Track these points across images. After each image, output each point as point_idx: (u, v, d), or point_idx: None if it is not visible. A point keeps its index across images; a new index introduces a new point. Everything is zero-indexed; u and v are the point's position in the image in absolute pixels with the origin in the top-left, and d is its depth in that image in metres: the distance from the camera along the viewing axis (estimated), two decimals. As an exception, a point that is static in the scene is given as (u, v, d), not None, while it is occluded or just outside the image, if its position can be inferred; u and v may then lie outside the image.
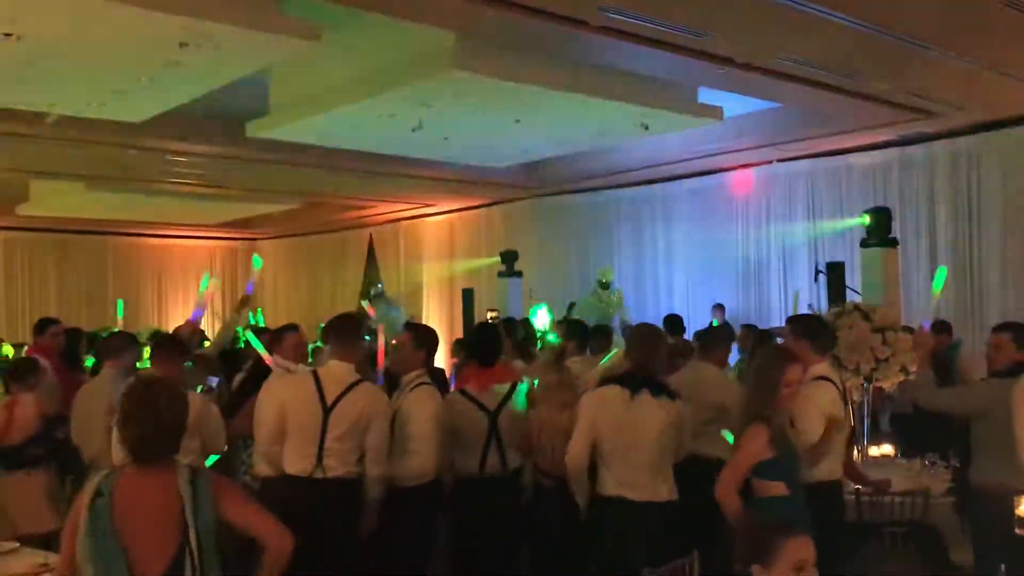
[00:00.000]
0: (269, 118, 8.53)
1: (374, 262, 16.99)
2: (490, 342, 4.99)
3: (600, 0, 5.52)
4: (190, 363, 5.17)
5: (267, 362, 4.84)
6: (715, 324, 10.20)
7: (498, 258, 12.78)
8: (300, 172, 11.26)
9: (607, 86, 7.64)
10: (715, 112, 8.69)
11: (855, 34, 6.33)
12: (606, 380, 4.49)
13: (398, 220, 16.38)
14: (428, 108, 7.88)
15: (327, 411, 4.28)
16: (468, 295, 12.67)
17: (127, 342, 5.68)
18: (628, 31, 6.12)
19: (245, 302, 6.58)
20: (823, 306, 8.49)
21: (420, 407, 4.44)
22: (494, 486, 4.62)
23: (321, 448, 4.26)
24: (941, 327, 7.54)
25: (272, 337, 5.29)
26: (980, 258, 9.34)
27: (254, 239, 19.42)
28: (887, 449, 5.54)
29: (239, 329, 5.69)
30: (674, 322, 8.85)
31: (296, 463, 4.31)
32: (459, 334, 12.15)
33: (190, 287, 18.78)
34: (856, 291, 8.97)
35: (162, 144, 9.57)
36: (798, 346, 4.23)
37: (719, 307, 11.08)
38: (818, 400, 4.16)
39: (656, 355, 4.41)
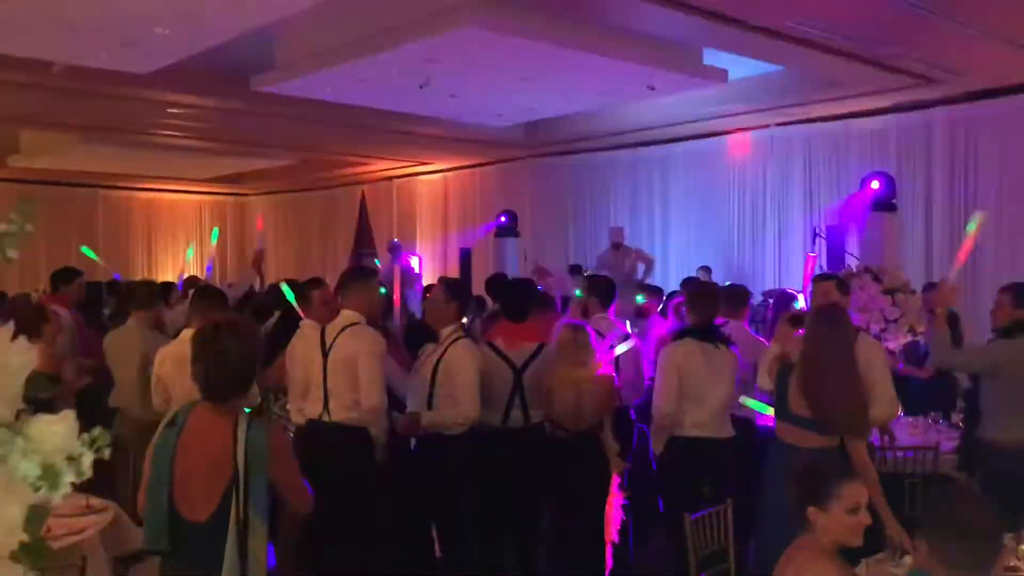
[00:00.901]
0: (276, 72, 8.49)
1: (366, 219, 16.96)
2: (520, 297, 5.08)
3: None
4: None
5: (301, 315, 4.90)
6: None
7: (501, 222, 12.79)
8: (299, 126, 11.21)
9: (616, 45, 7.67)
10: (720, 75, 8.74)
11: (868, -1, 6.40)
12: (679, 334, 4.80)
13: (391, 178, 16.34)
14: (437, 64, 7.88)
15: (325, 356, 4.40)
16: (466, 254, 12.70)
17: (156, 294, 5.68)
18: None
19: (259, 258, 6.58)
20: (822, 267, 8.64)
21: (463, 359, 4.53)
22: (516, 437, 4.73)
23: (325, 392, 4.38)
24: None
25: (298, 293, 5.30)
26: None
27: (244, 195, 19.35)
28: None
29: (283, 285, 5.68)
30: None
31: (311, 409, 4.48)
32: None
33: (179, 241, 18.74)
34: (853, 255, 9.10)
35: (165, 96, 9.48)
36: (844, 303, 4.42)
37: (705, 269, 11.14)
38: (884, 356, 4.45)
39: (716, 310, 4.86)
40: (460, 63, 7.84)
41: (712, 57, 8.47)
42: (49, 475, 0.85)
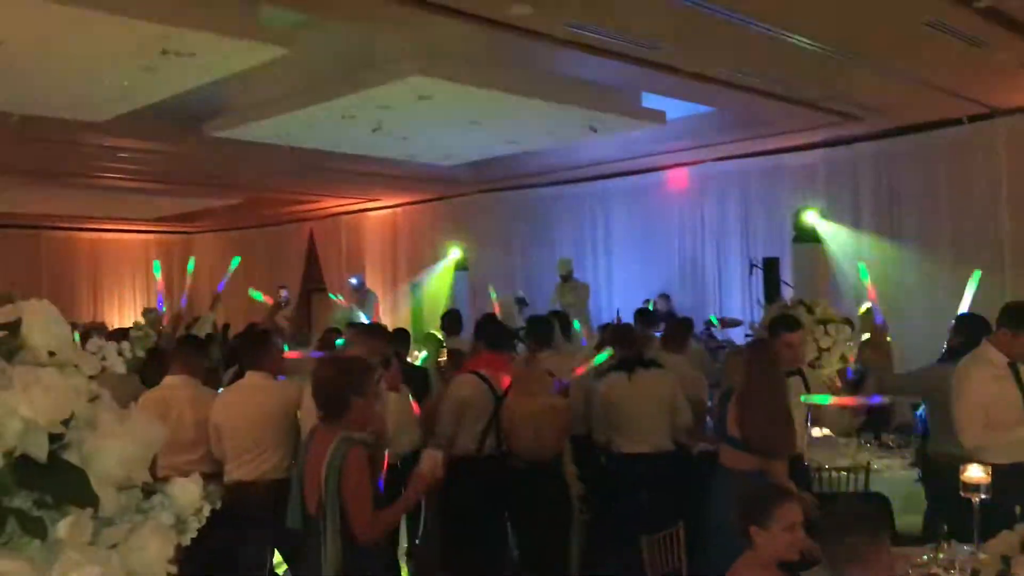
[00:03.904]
0: (229, 117, 8.69)
1: (315, 256, 17.08)
2: (500, 329, 5.45)
3: (567, 17, 5.93)
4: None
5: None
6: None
7: (450, 256, 13.07)
8: (250, 168, 11.38)
9: (560, 91, 8.05)
10: (659, 116, 9.17)
11: (793, 47, 6.85)
12: (604, 371, 5.35)
13: (339, 214, 16.52)
14: (388, 111, 8.16)
15: None
16: (416, 289, 12.96)
17: None
18: (589, 44, 6.55)
19: (217, 300, 6.69)
20: (760, 299, 9.08)
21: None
22: (490, 465, 5.01)
23: None
24: (867, 317, 8.18)
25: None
26: (900, 253, 10.04)
27: (190, 233, 19.31)
28: (827, 430, 6.08)
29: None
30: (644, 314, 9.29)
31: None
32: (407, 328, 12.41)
33: (124, 281, 18.65)
34: (789, 285, 9.57)
35: (117, 141, 9.60)
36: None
37: (664, 297, 11.59)
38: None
39: (634, 342, 5.61)
40: (411, 110, 8.12)
41: (650, 99, 8.90)
42: (180, 523, 1.11)
